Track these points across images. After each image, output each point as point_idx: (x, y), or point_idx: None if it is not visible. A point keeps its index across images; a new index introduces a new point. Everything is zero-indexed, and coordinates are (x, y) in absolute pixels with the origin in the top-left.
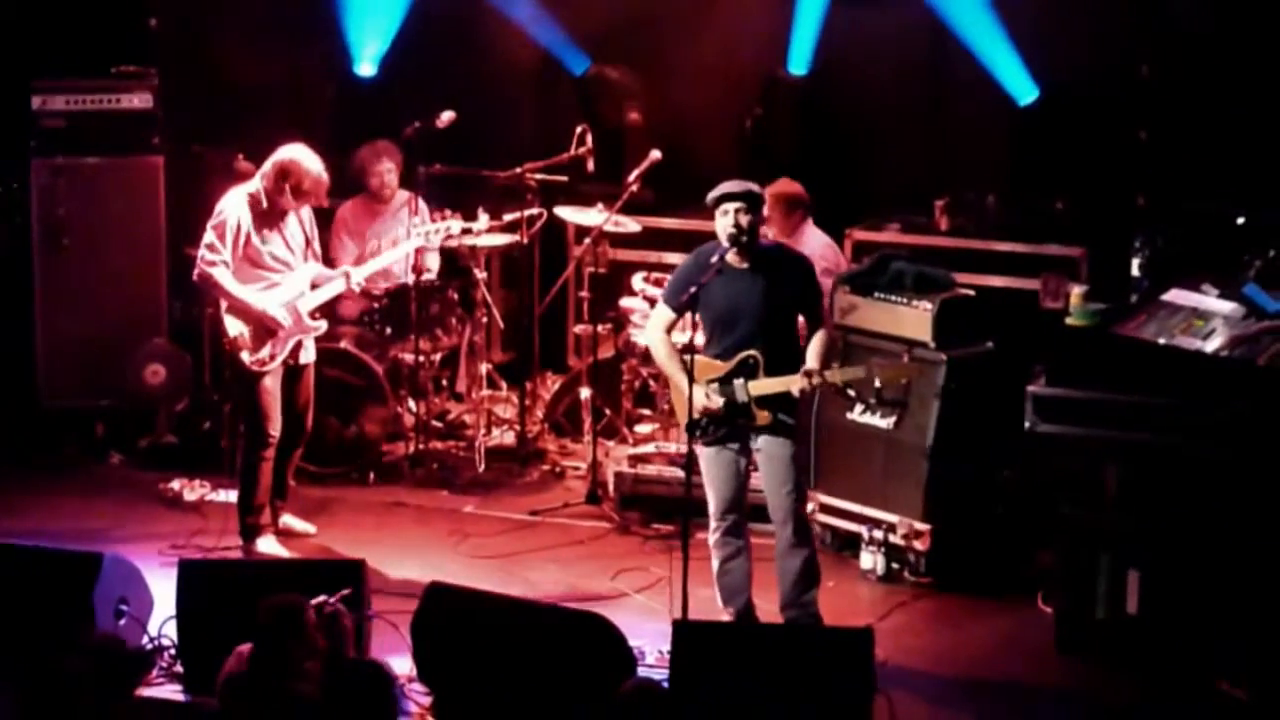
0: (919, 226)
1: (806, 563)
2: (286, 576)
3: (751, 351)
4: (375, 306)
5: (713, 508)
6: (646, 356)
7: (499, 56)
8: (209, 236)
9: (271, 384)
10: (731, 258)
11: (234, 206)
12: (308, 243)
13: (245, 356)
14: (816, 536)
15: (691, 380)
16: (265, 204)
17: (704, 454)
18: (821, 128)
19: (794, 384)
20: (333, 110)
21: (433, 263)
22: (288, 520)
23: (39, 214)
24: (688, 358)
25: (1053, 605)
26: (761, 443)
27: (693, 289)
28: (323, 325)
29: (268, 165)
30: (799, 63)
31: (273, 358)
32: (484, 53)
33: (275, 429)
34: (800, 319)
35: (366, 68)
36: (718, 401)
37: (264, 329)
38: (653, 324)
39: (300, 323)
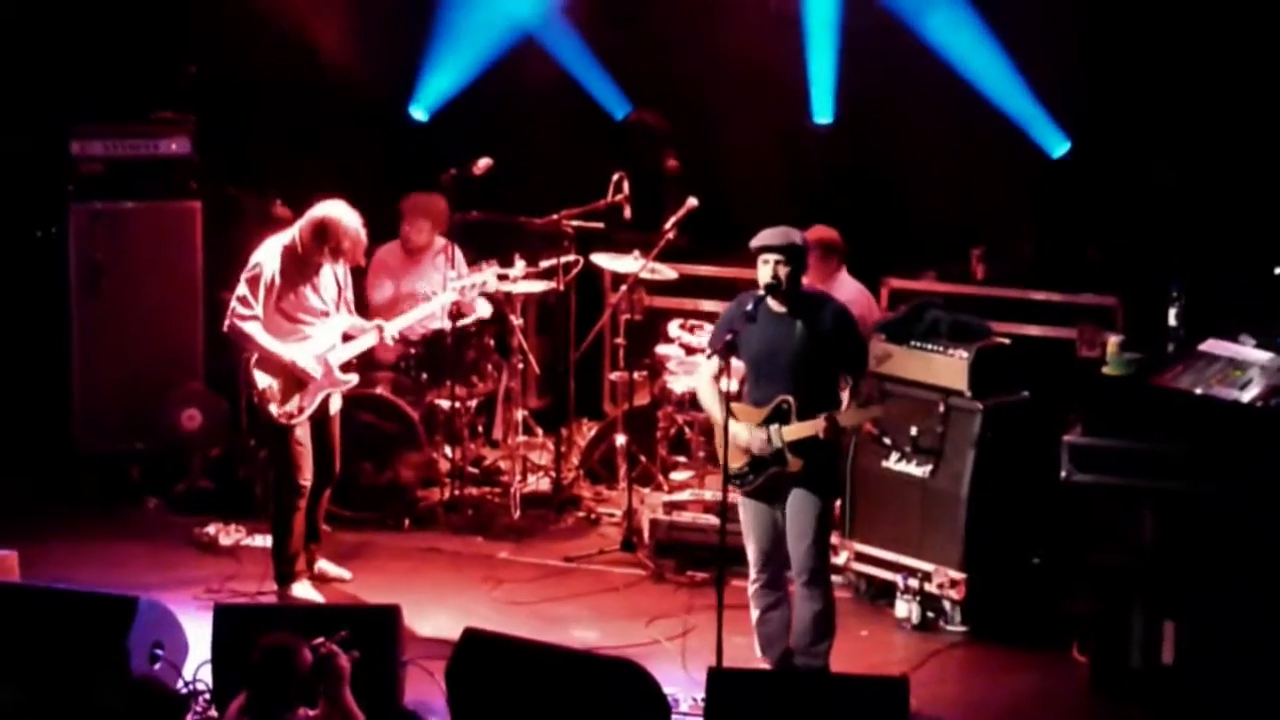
0: (955, 275)
1: (818, 616)
2: (321, 621)
3: (785, 396)
4: (411, 352)
5: (752, 559)
6: (682, 403)
7: (538, 103)
8: (242, 289)
9: (302, 435)
10: (770, 302)
11: (268, 258)
12: (340, 294)
13: (274, 409)
14: (850, 585)
15: (727, 427)
16: (300, 255)
17: (743, 504)
18: (853, 176)
19: (817, 427)
20: (374, 154)
21: (482, 308)
22: (323, 565)
23: (76, 258)
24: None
25: (1088, 655)
26: (792, 494)
27: (729, 335)
28: (353, 379)
29: (305, 220)
30: (823, 112)
31: (301, 410)
32: (524, 99)
33: (307, 479)
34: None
35: (420, 113)
36: (759, 440)
37: (294, 382)
38: (702, 371)
39: (330, 375)
